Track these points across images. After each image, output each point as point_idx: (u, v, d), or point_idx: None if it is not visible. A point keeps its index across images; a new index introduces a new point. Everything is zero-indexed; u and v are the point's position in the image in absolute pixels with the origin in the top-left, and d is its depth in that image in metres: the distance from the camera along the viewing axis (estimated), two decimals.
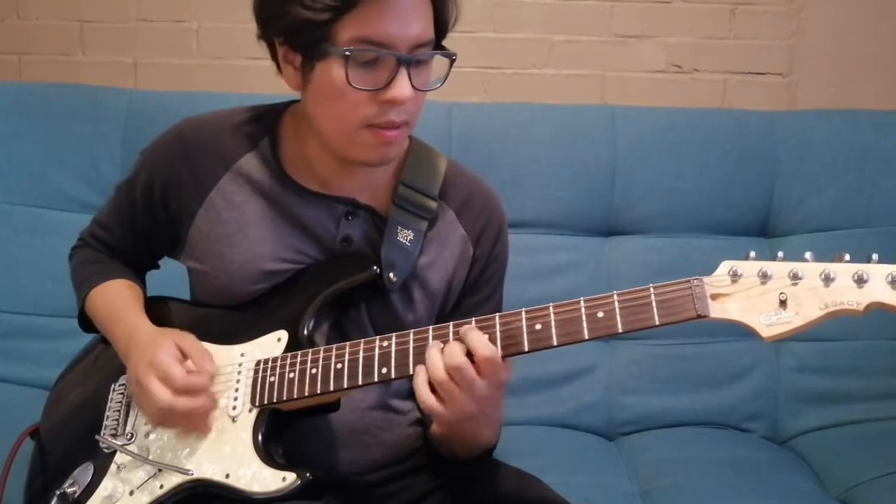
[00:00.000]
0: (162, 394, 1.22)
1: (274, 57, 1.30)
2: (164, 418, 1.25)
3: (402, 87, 1.19)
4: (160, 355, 1.24)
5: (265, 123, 1.39)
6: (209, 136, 1.38)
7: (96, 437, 1.32)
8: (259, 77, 2.46)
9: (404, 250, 1.34)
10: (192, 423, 1.26)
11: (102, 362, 1.45)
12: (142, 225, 1.43)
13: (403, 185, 1.37)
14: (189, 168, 1.36)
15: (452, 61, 1.27)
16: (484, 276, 1.41)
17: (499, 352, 1.13)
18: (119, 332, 1.37)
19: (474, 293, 1.41)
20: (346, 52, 1.18)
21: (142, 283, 1.51)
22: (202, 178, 1.36)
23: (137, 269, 1.52)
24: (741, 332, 1.05)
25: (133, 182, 1.43)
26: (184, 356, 1.27)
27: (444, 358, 1.13)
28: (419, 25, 1.20)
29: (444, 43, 1.29)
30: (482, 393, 1.13)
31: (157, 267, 1.54)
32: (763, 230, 2.17)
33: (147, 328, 1.35)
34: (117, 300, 1.42)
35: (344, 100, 1.21)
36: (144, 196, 1.40)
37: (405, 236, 1.34)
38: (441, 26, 1.26)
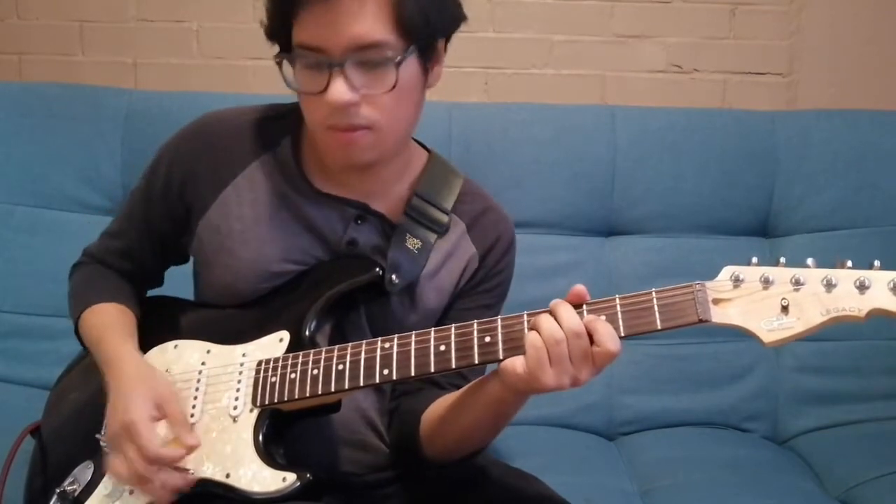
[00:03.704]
0: (137, 462, 1.18)
1: None
2: (126, 481, 1.21)
3: (334, 91, 1.19)
4: (134, 415, 1.20)
5: (287, 123, 1.40)
6: (231, 132, 1.39)
7: (97, 435, 1.32)
8: (259, 77, 2.48)
9: (411, 257, 1.34)
10: (152, 493, 1.21)
11: None
12: (157, 221, 1.42)
13: (417, 197, 1.37)
14: (208, 162, 1.37)
15: (398, 64, 1.20)
16: (483, 286, 1.41)
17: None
18: (101, 357, 1.34)
19: (468, 298, 1.40)
20: (284, 57, 1.23)
21: (137, 302, 1.47)
22: (219, 173, 1.37)
23: (143, 281, 1.51)
24: (743, 333, 1.05)
25: (152, 177, 1.42)
26: (162, 416, 1.23)
27: (564, 323, 1.09)
28: (357, 28, 1.18)
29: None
30: (582, 371, 1.09)
31: (161, 283, 1.54)
32: (763, 230, 2.17)
33: (127, 363, 1.30)
34: (105, 322, 1.38)
35: (303, 102, 1.26)
36: (163, 188, 1.40)
37: (413, 244, 1.34)
38: (406, 24, 1.20)
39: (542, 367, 1.08)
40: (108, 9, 2.51)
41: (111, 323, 1.38)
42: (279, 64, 1.26)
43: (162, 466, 1.19)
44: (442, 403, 1.30)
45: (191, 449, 1.22)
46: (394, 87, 1.21)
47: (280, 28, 1.23)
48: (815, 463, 1.95)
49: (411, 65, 1.24)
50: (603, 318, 1.09)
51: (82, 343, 1.43)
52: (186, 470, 1.21)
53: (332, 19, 1.17)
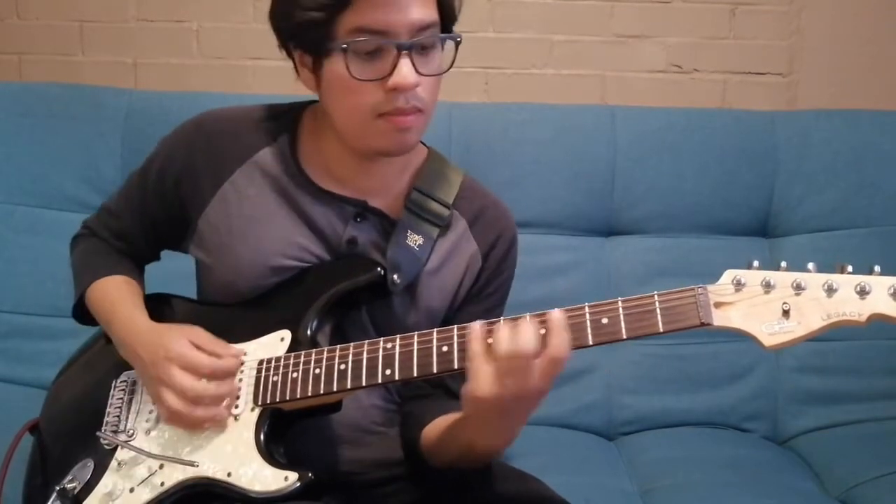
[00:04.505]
0: (189, 383, 1.23)
1: (293, 62, 1.33)
2: (186, 413, 1.23)
3: (404, 73, 1.20)
4: (177, 347, 1.25)
5: (285, 120, 1.40)
6: (228, 129, 1.39)
7: (97, 433, 1.33)
8: (259, 77, 2.48)
9: (412, 254, 1.34)
10: (214, 416, 1.24)
11: (103, 358, 1.44)
12: (151, 212, 1.44)
13: (417, 191, 1.37)
14: (205, 158, 1.37)
15: (458, 44, 1.27)
16: (487, 290, 1.41)
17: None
18: (117, 328, 1.36)
19: (475, 303, 1.40)
20: (344, 46, 1.20)
21: (141, 278, 1.51)
22: (217, 169, 1.37)
23: (139, 260, 1.52)
24: (742, 336, 1.05)
25: (148, 169, 1.43)
26: (198, 348, 1.27)
27: (518, 339, 1.07)
28: (418, 10, 1.21)
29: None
30: (528, 386, 1.08)
31: (158, 258, 1.54)
32: (763, 230, 2.17)
33: (145, 324, 1.35)
34: (115, 294, 1.41)
35: (352, 92, 1.23)
36: (157, 182, 1.41)
37: (414, 240, 1.34)
38: (445, 8, 1.26)
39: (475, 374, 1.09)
40: (108, 9, 2.51)
41: (118, 294, 1.41)
42: (318, 60, 1.26)
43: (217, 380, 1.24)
44: (439, 424, 1.31)
45: (238, 355, 1.27)
46: (449, 68, 1.26)
47: (325, 19, 1.22)
48: (815, 463, 1.96)
49: (452, 55, 1.28)
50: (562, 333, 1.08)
51: (82, 315, 1.46)
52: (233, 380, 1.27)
53: (395, 1, 1.19)
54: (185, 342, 1.26)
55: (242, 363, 1.28)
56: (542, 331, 1.07)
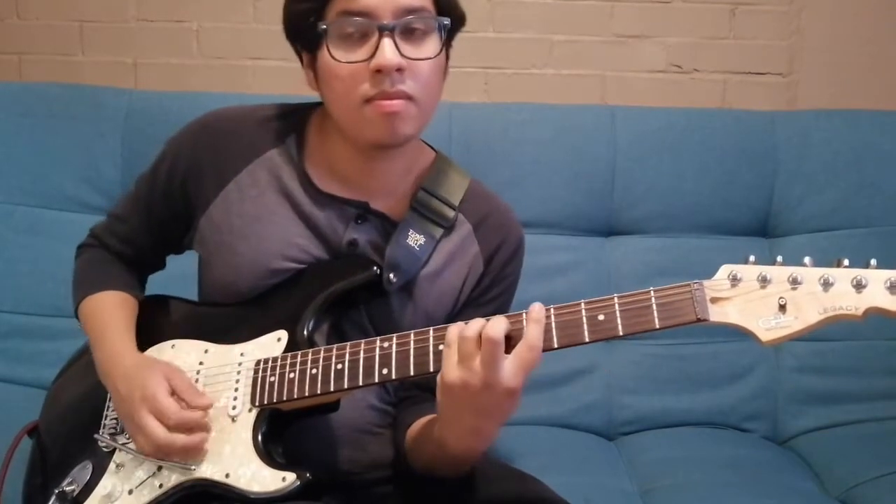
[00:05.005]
0: (158, 431, 1.21)
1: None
2: (160, 454, 1.24)
3: (385, 53, 1.21)
4: (152, 389, 1.23)
5: (293, 121, 1.41)
6: (232, 129, 1.39)
7: (95, 435, 1.33)
8: (259, 77, 2.48)
9: (411, 254, 1.34)
10: (189, 457, 1.24)
11: None
12: (158, 211, 1.44)
13: (423, 191, 1.37)
14: (211, 157, 1.38)
15: (446, 29, 1.28)
16: (488, 294, 1.41)
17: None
18: (101, 354, 1.36)
19: (476, 307, 1.40)
20: (324, 27, 1.23)
21: (141, 291, 1.50)
22: (222, 168, 1.37)
23: (144, 268, 1.52)
24: (741, 332, 1.05)
25: (157, 170, 1.44)
26: (173, 392, 1.25)
27: (488, 325, 1.08)
28: None
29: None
30: (498, 377, 1.07)
31: (164, 266, 1.54)
32: (763, 230, 2.17)
33: (129, 356, 1.33)
34: (106, 316, 1.40)
35: (339, 78, 1.25)
36: (166, 182, 1.41)
37: (415, 240, 1.34)
38: None
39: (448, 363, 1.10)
40: (108, 9, 2.51)
41: (109, 318, 1.40)
42: (313, 54, 1.28)
43: (185, 432, 1.22)
44: (419, 422, 1.31)
45: (206, 408, 1.25)
46: (438, 54, 1.26)
47: (316, 8, 1.24)
48: (815, 463, 1.95)
49: (441, 42, 1.28)
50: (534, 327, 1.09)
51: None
52: (203, 431, 1.24)
53: None
54: (163, 387, 1.24)
55: (207, 408, 1.26)
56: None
